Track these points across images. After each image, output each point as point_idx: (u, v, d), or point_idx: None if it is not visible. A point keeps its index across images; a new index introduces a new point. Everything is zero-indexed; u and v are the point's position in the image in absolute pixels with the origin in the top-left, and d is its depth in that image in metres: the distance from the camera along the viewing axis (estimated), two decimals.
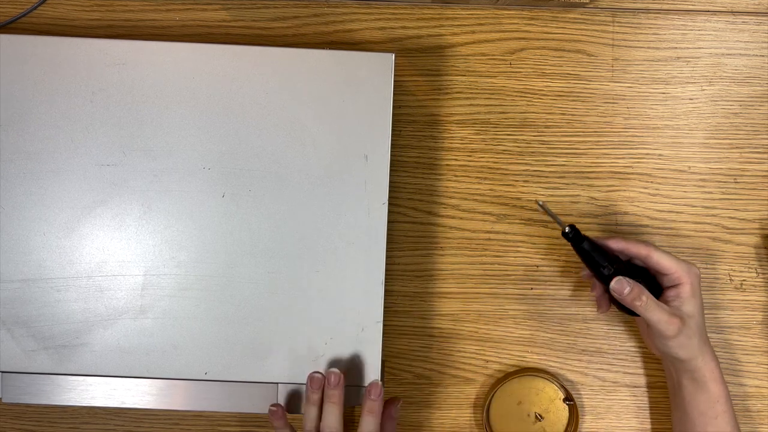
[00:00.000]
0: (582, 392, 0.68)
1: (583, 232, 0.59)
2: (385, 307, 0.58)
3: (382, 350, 0.58)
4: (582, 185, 0.68)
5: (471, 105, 0.67)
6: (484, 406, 0.66)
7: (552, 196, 0.68)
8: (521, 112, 0.68)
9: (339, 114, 0.58)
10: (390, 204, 0.58)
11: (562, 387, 0.66)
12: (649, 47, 0.68)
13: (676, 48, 0.68)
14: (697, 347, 0.59)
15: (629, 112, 0.68)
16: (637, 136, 0.68)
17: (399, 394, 0.68)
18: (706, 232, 0.68)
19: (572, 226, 0.59)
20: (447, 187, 0.68)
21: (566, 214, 0.68)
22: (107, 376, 0.57)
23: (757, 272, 0.68)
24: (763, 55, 0.68)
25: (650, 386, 0.68)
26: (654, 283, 0.60)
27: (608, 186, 0.68)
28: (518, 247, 0.68)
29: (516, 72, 0.68)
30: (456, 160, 0.68)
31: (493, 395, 0.66)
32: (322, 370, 0.57)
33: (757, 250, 0.68)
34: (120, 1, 0.67)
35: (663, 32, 0.68)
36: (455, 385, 0.68)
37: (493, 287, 0.68)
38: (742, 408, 0.68)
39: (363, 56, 0.58)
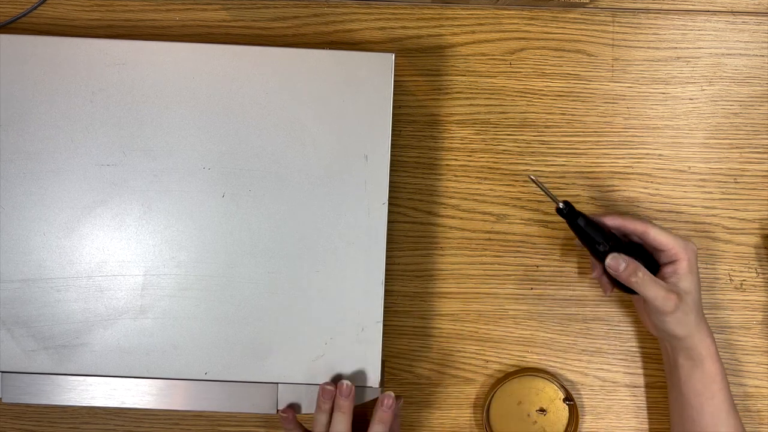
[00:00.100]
0: (582, 392, 0.68)
1: (577, 209, 0.59)
2: (385, 307, 0.58)
3: (382, 350, 0.58)
4: (582, 185, 0.68)
5: (471, 105, 0.67)
6: (484, 406, 0.66)
7: None
8: (521, 112, 0.68)
9: (339, 114, 0.58)
10: (390, 204, 0.58)
11: (562, 387, 0.66)
12: (649, 47, 0.68)
13: (676, 48, 0.68)
14: (694, 324, 0.59)
15: (629, 112, 0.68)
16: (637, 136, 0.68)
17: (399, 394, 0.68)
18: (706, 232, 0.68)
19: (566, 203, 0.59)
20: (447, 187, 0.68)
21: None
22: (107, 376, 0.57)
23: (757, 272, 0.68)
24: (763, 55, 0.68)
25: (650, 386, 0.68)
26: (651, 259, 0.60)
27: (608, 186, 0.68)
28: (518, 247, 0.68)
29: (516, 72, 0.68)
30: (456, 160, 0.68)
31: (493, 395, 0.66)
32: (332, 382, 0.57)
33: (757, 250, 0.68)
34: (120, 1, 0.67)
35: (663, 32, 0.68)
36: (455, 385, 0.68)
37: (493, 287, 0.68)
38: (742, 408, 0.68)
39: (363, 56, 0.58)
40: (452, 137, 0.67)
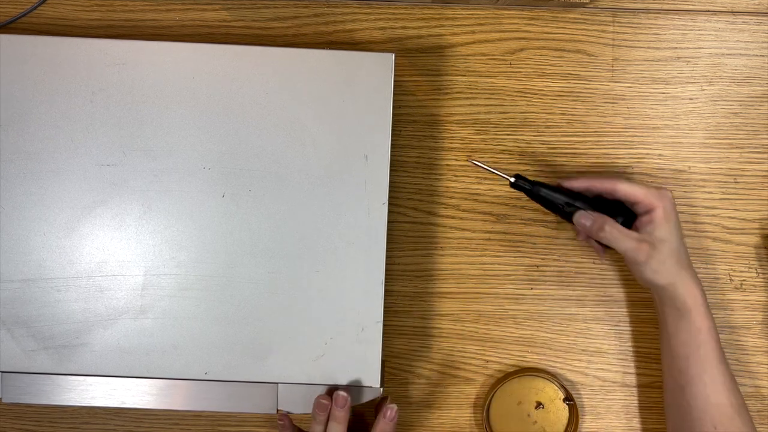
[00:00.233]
0: (582, 392, 0.68)
1: (531, 179, 0.59)
2: (385, 307, 0.58)
3: (382, 350, 0.58)
4: None
5: (471, 105, 0.67)
6: (484, 406, 0.66)
7: None
8: (521, 112, 0.68)
9: (339, 114, 0.58)
10: (390, 204, 0.59)
11: (562, 387, 0.66)
12: (649, 47, 0.68)
13: (676, 48, 0.68)
14: (674, 272, 0.58)
15: (629, 112, 0.68)
16: (637, 136, 0.68)
17: (399, 394, 0.68)
18: (706, 232, 0.68)
19: (518, 176, 0.59)
20: (447, 187, 0.68)
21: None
22: (107, 376, 0.57)
23: (757, 272, 0.68)
24: (763, 55, 0.68)
25: (650, 386, 0.68)
26: (631, 213, 0.60)
27: None
28: (518, 247, 0.68)
29: (516, 72, 0.68)
30: (456, 160, 0.68)
31: (493, 395, 0.66)
32: (328, 394, 0.57)
33: (757, 250, 0.68)
34: (120, 1, 0.67)
35: (663, 32, 0.68)
36: (455, 385, 0.68)
37: (493, 287, 0.68)
38: None
39: (363, 56, 0.58)
40: (452, 137, 0.67)
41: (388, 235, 0.58)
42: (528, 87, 0.68)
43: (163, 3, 0.67)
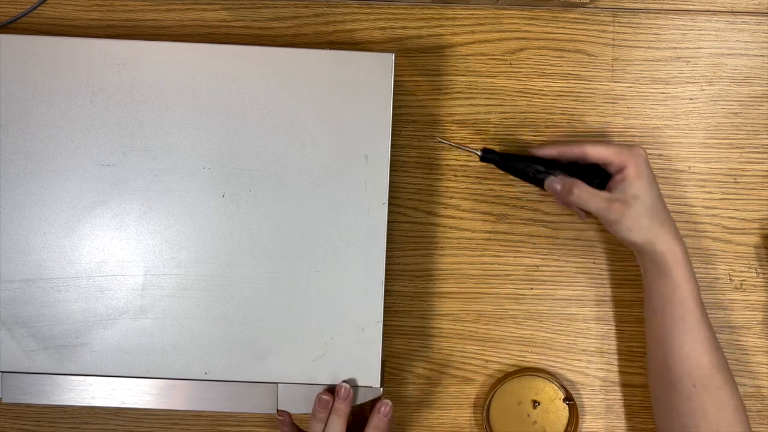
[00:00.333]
0: (582, 392, 0.68)
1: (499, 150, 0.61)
2: (385, 307, 0.58)
3: (382, 350, 0.58)
4: None
5: (471, 105, 0.67)
6: (484, 406, 0.66)
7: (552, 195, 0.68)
8: (521, 112, 0.68)
9: (339, 114, 0.58)
10: (390, 204, 0.59)
11: (562, 387, 0.66)
12: (649, 47, 0.68)
13: (676, 48, 0.68)
14: (649, 229, 0.57)
15: (629, 112, 0.68)
16: (637, 136, 0.68)
17: (399, 394, 0.68)
18: (706, 232, 0.68)
19: (485, 149, 0.61)
20: (447, 187, 0.68)
21: (566, 213, 0.68)
22: (107, 376, 0.57)
23: (757, 272, 0.68)
24: (763, 55, 0.68)
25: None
26: (606, 175, 0.60)
27: None
28: (518, 247, 0.68)
29: (516, 72, 0.68)
30: (456, 160, 0.68)
31: (493, 395, 0.66)
32: (329, 391, 0.57)
33: (757, 250, 0.68)
34: (120, 1, 0.67)
35: (663, 32, 0.68)
36: (455, 385, 0.68)
37: (493, 287, 0.68)
38: None
39: (363, 56, 0.58)
40: (452, 137, 0.67)
41: (388, 235, 0.58)
42: (528, 87, 0.68)
43: (163, 3, 0.67)
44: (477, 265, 0.68)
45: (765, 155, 0.68)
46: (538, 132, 0.68)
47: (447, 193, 0.68)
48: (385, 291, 0.58)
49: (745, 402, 0.68)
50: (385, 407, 0.57)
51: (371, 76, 0.58)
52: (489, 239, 0.68)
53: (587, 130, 0.68)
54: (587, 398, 0.68)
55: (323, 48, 0.60)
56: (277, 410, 0.58)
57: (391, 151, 0.58)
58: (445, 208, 0.68)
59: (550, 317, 0.68)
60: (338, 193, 0.58)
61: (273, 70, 0.58)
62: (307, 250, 0.58)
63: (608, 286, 0.68)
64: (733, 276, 0.68)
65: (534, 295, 0.68)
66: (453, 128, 0.67)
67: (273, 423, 0.68)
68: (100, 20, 0.67)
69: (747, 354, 0.68)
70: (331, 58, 0.58)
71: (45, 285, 0.57)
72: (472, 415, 0.69)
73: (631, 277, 0.68)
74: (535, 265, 0.68)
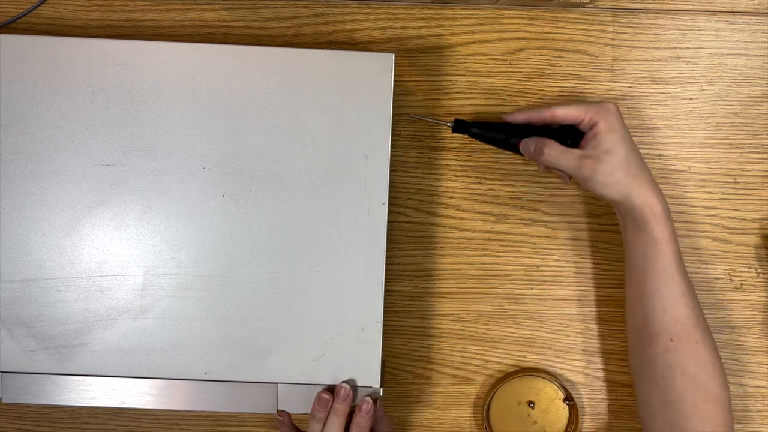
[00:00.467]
0: (582, 392, 0.68)
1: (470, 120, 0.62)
2: (385, 307, 0.58)
3: (382, 350, 0.58)
4: None
5: (471, 105, 0.67)
6: (484, 406, 0.66)
7: (552, 195, 0.68)
8: None
9: (339, 114, 0.58)
10: (390, 204, 0.58)
11: (562, 387, 0.66)
12: (649, 47, 0.68)
13: (676, 48, 0.68)
14: (625, 183, 0.56)
15: (629, 112, 0.68)
16: (637, 136, 0.68)
17: (399, 394, 0.68)
18: (706, 232, 0.68)
19: (457, 120, 0.62)
20: (447, 187, 0.68)
21: (566, 214, 0.68)
22: (107, 376, 0.57)
23: (757, 272, 0.68)
24: (763, 55, 0.68)
25: None
26: (579, 134, 0.60)
27: None
28: (518, 247, 0.68)
29: (516, 72, 0.68)
30: (456, 160, 0.68)
31: (493, 395, 0.66)
32: (329, 390, 0.57)
33: (757, 250, 0.68)
34: (120, 1, 0.67)
35: (663, 32, 0.68)
36: (455, 385, 0.68)
37: (493, 287, 0.68)
38: (742, 408, 0.68)
39: (363, 56, 0.58)
40: (452, 137, 0.67)
41: (388, 235, 0.58)
42: (528, 87, 0.68)
43: (163, 3, 0.67)
44: (477, 265, 0.68)
45: (765, 155, 0.68)
46: None
47: (447, 193, 0.68)
48: (385, 291, 0.58)
49: (744, 402, 0.68)
50: (367, 405, 0.57)
51: (371, 76, 0.58)
52: (489, 239, 0.68)
53: None
54: (587, 398, 0.68)
55: (323, 48, 0.60)
56: (277, 410, 0.58)
57: (391, 151, 0.58)
58: (445, 208, 0.68)
59: (550, 317, 0.68)
60: (338, 193, 0.58)
61: (273, 70, 0.58)
62: (307, 250, 0.58)
63: (608, 286, 0.68)
64: (733, 276, 0.68)
65: (534, 295, 0.68)
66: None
67: (273, 423, 0.68)
68: (100, 20, 0.67)
69: (747, 354, 0.68)
70: (331, 58, 0.58)
71: (45, 285, 0.57)
72: (472, 415, 0.69)
73: None
74: (535, 265, 0.68)
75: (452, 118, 0.63)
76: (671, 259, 0.57)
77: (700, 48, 0.68)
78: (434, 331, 0.68)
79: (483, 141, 0.63)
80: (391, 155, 0.58)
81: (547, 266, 0.68)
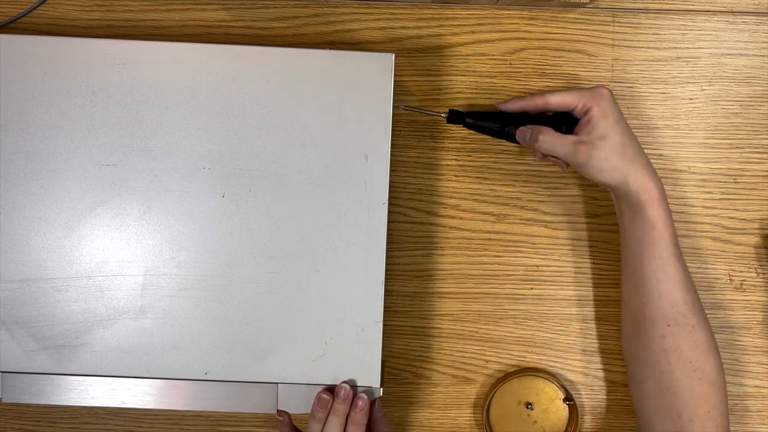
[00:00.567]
0: (582, 392, 0.68)
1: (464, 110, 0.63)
2: (385, 307, 0.58)
3: (382, 350, 0.58)
4: (582, 185, 0.68)
5: (471, 105, 0.67)
6: (484, 406, 0.66)
7: (552, 196, 0.68)
8: None
9: (339, 114, 0.58)
10: (390, 204, 0.58)
11: (562, 387, 0.66)
12: (649, 47, 0.68)
13: (676, 48, 0.68)
14: (621, 168, 0.56)
15: (629, 112, 0.68)
16: (636, 136, 0.68)
17: (399, 394, 0.68)
18: (706, 232, 0.68)
19: (451, 110, 0.62)
20: (447, 187, 0.68)
21: (566, 214, 0.68)
22: (107, 376, 0.57)
23: (757, 272, 0.68)
24: (763, 55, 0.68)
25: None
26: (574, 120, 0.60)
27: None
28: (518, 247, 0.68)
29: (516, 72, 0.68)
30: (456, 160, 0.68)
31: (493, 395, 0.66)
32: (329, 390, 0.57)
33: (757, 250, 0.68)
34: (120, 1, 0.67)
35: (663, 32, 0.68)
36: (455, 385, 0.68)
37: (493, 287, 0.68)
38: (742, 408, 0.68)
39: (363, 56, 0.58)
40: (452, 137, 0.67)
41: (388, 235, 0.58)
42: (528, 87, 0.68)
43: (163, 3, 0.67)
44: (477, 265, 0.68)
45: (765, 155, 0.68)
46: None
47: (447, 193, 0.68)
48: (385, 291, 0.58)
49: (745, 402, 0.68)
50: (362, 401, 0.56)
51: (371, 76, 0.58)
52: (489, 239, 0.68)
53: None
54: (587, 398, 0.69)
55: (323, 48, 0.60)
56: (277, 410, 0.58)
57: (391, 151, 0.58)
58: (445, 208, 0.68)
59: (550, 317, 0.68)
60: (338, 193, 0.58)
61: (273, 70, 0.58)
62: (307, 250, 0.58)
63: (608, 286, 0.68)
64: (733, 276, 0.68)
65: (534, 295, 0.68)
66: (453, 128, 0.67)
67: (272, 423, 0.68)
68: (100, 20, 0.67)
69: (747, 354, 0.68)
70: (331, 58, 0.58)
71: (45, 285, 0.57)
72: (472, 415, 0.69)
73: None
74: (535, 265, 0.68)
75: (446, 109, 0.63)
76: (668, 243, 0.57)
77: (700, 48, 0.68)
78: (434, 331, 0.68)
79: (478, 131, 0.63)
80: (391, 155, 0.58)
81: (547, 266, 0.68)
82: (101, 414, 0.68)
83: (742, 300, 0.68)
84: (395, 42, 0.67)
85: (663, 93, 0.68)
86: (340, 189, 0.58)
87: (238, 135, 0.58)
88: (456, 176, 0.68)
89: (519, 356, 0.68)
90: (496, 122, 0.62)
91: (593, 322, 0.68)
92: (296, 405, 0.58)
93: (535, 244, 0.68)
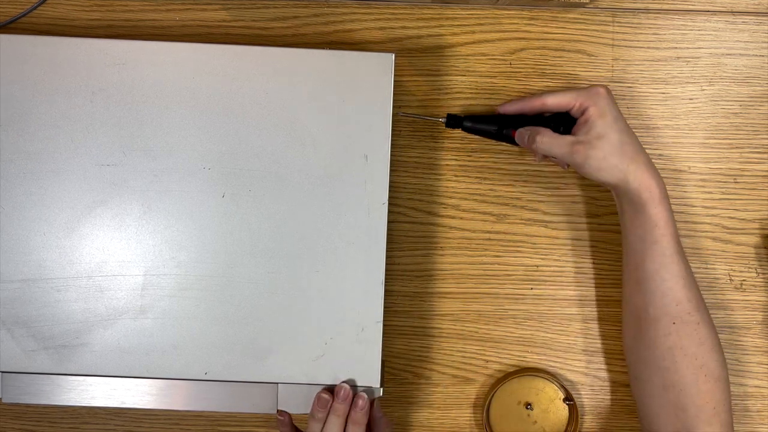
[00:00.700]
0: (582, 392, 0.68)
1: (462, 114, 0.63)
2: (385, 307, 0.58)
3: (382, 350, 0.58)
4: (582, 185, 0.68)
5: (471, 105, 0.67)
6: (484, 406, 0.66)
7: (552, 196, 0.68)
8: None
9: (339, 114, 0.58)
10: (390, 204, 0.58)
11: (562, 387, 0.66)
12: (649, 47, 0.68)
13: (676, 48, 0.68)
14: (620, 167, 0.56)
15: (629, 112, 0.68)
16: (637, 136, 0.68)
17: (399, 394, 0.68)
18: (706, 232, 0.68)
19: (449, 115, 0.63)
20: (447, 187, 0.68)
21: (566, 214, 0.68)
22: (107, 376, 0.57)
23: (757, 272, 0.68)
24: (763, 55, 0.68)
25: None
26: (572, 120, 0.60)
27: None
28: (518, 247, 0.68)
29: (516, 72, 0.68)
30: (456, 160, 0.68)
31: (493, 395, 0.66)
32: (329, 390, 0.57)
33: (757, 250, 0.68)
34: (120, 1, 0.67)
35: (663, 32, 0.68)
36: (455, 385, 0.68)
37: (493, 287, 0.68)
38: (742, 408, 0.68)
39: (363, 56, 0.58)
40: (452, 137, 0.67)
41: (388, 235, 0.58)
42: (528, 87, 0.68)
43: (163, 3, 0.67)
44: (477, 265, 0.68)
45: (765, 155, 0.68)
46: None
47: (447, 193, 0.68)
48: (385, 291, 0.58)
49: (745, 402, 0.68)
50: (362, 401, 0.56)
51: (371, 76, 0.58)
52: (489, 239, 0.68)
53: None
54: (587, 398, 0.69)
55: (323, 48, 0.60)
56: (277, 410, 0.58)
57: (391, 151, 0.58)
58: (445, 208, 0.68)
59: (550, 317, 0.68)
60: (338, 193, 0.58)
61: (273, 70, 0.58)
62: (307, 250, 0.58)
63: (608, 286, 0.68)
64: (733, 276, 0.68)
65: (534, 295, 0.68)
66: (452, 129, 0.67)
67: (273, 423, 0.68)
68: (100, 20, 0.67)
69: (747, 354, 0.68)
70: (331, 58, 0.58)
71: (45, 285, 0.57)
72: (472, 415, 0.69)
73: None
74: (535, 265, 0.68)
75: (444, 113, 0.63)
76: (670, 241, 0.57)
77: (700, 48, 0.68)
78: (434, 331, 0.68)
79: (476, 134, 0.63)
80: (391, 155, 0.58)
81: (547, 266, 0.68)
82: (101, 414, 0.68)
83: (742, 300, 0.68)
84: (395, 42, 0.67)
85: (663, 93, 0.68)
86: (340, 189, 0.58)
87: (238, 135, 0.58)
88: (456, 176, 0.68)
89: (519, 356, 0.68)
90: (494, 125, 0.62)
91: (593, 322, 0.68)
92: (296, 405, 0.58)
93: (535, 244, 0.68)
